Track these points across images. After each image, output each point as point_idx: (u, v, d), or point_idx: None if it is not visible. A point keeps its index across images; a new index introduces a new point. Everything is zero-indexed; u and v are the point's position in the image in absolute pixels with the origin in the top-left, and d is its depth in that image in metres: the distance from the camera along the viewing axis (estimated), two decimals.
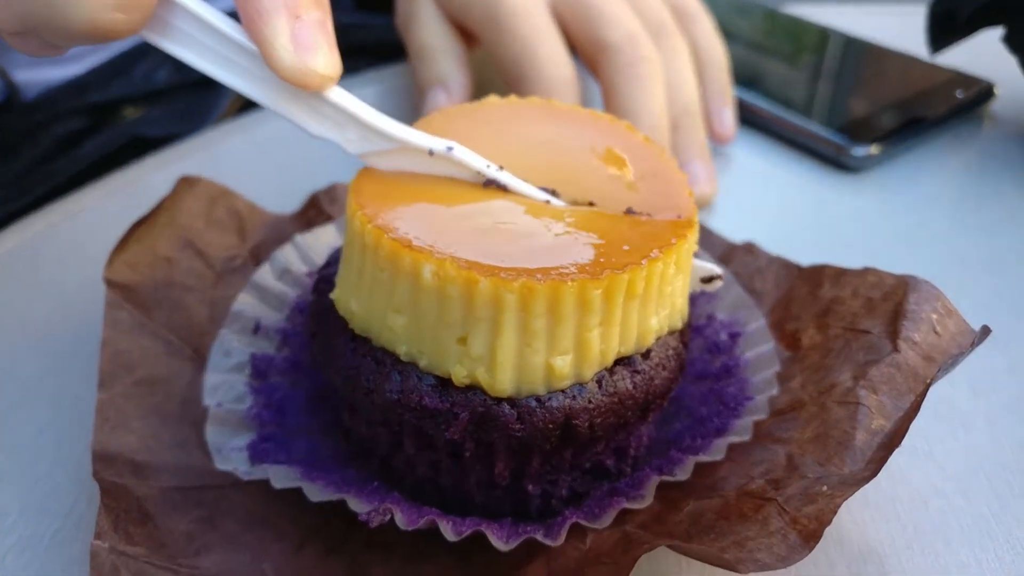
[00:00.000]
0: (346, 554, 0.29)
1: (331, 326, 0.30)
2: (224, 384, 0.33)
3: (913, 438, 0.34)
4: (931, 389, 0.36)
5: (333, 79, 0.28)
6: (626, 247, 0.27)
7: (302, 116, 0.29)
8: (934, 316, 0.31)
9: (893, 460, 0.33)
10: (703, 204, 0.48)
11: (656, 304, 0.28)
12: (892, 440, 0.28)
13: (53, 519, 0.32)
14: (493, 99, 0.34)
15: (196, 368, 0.35)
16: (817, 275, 0.36)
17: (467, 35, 0.52)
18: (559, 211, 0.29)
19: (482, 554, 0.27)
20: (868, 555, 0.29)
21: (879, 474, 0.32)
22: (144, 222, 0.38)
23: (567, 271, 0.25)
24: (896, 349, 0.30)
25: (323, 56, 0.27)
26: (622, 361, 0.28)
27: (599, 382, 0.27)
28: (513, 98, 0.35)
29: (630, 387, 0.28)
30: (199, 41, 0.28)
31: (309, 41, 0.26)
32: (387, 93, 0.62)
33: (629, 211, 0.29)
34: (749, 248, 0.40)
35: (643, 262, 0.26)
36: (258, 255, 0.40)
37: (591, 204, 0.30)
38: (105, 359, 0.34)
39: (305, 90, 0.28)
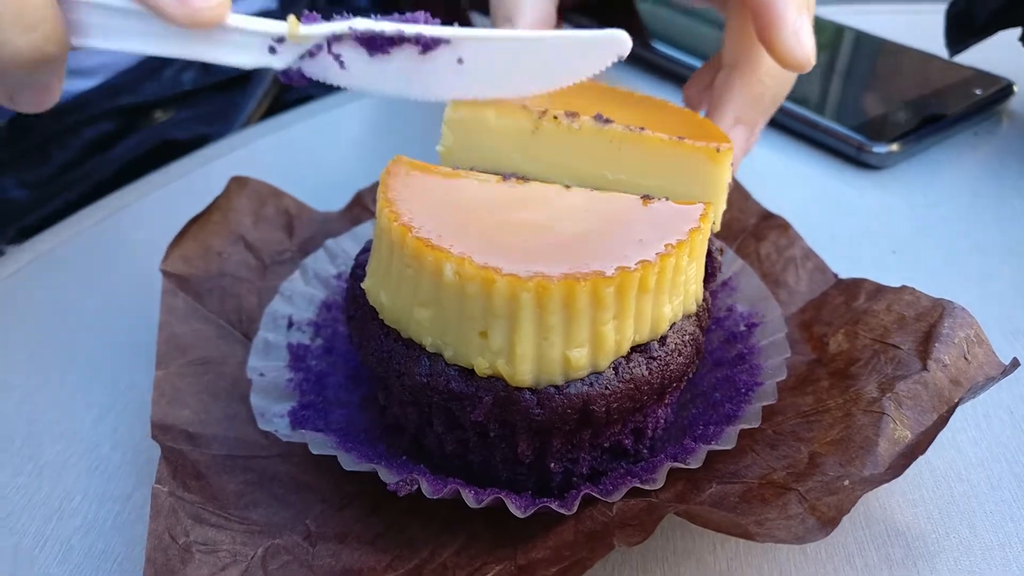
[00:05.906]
0: (387, 515, 0.31)
1: (364, 312, 0.31)
2: (266, 367, 0.35)
3: None
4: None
5: (222, 8, 0.30)
6: (640, 239, 0.28)
7: (228, 56, 0.32)
8: (965, 343, 0.32)
9: None
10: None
11: (669, 294, 0.29)
12: (915, 449, 0.29)
13: (115, 502, 0.34)
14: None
15: (245, 351, 0.37)
16: (855, 288, 0.37)
17: None
18: (575, 199, 0.30)
19: (514, 521, 0.29)
20: (896, 537, 0.31)
21: None
22: (198, 220, 0.40)
23: (581, 269, 0.26)
24: (925, 368, 0.31)
25: None
26: (638, 348, 0.29)
27: (615, 369, 0.28)
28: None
29: (645, 373, 0.29)
30: (115, 27, 0.31)
31: None
32: None
33: (646, 197, 0.30)
34: (784, 227, 0.41)
35: (654, 258, 0.27)
36: (306, 250, 0.42)
37: (642, 128, 0.32)
38: (161, 341, 0.36)
39: (208, 28, 0.30)
